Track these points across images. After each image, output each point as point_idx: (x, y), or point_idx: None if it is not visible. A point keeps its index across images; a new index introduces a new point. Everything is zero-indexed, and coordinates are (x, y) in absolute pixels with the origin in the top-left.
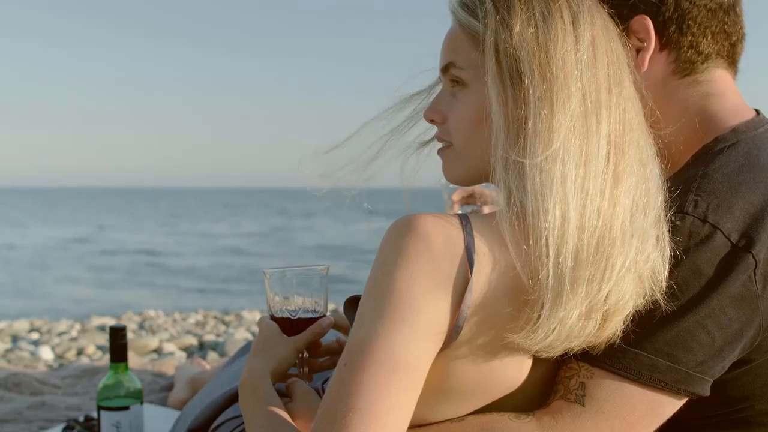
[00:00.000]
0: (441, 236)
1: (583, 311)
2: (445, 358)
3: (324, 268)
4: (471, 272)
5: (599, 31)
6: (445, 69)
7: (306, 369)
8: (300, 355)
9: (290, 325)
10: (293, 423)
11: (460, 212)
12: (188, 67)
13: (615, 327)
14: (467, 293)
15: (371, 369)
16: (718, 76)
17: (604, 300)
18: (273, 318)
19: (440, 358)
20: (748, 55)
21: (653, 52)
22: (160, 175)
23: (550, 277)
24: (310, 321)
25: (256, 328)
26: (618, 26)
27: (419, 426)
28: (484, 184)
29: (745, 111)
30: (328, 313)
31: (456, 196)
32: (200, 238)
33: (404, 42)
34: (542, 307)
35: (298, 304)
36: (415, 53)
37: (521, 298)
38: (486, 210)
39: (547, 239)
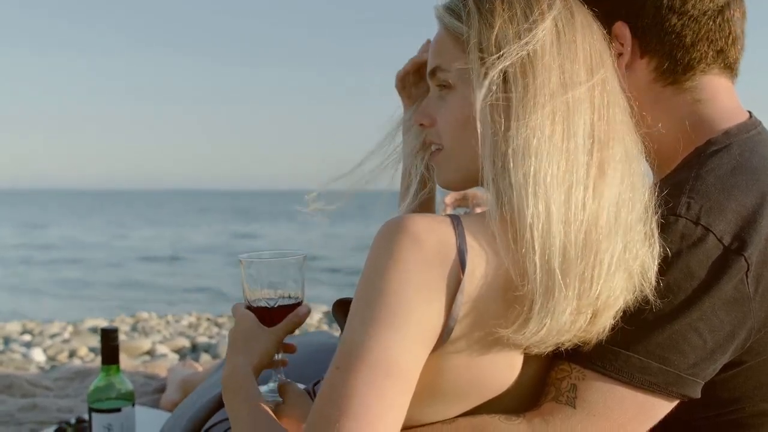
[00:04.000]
0: (433, 237)
1: (575, 307)
2: (436, 359)
3: (301, 256)
4: (463, 273)
5: (581, 29)
6: (432, 73)
7: (281, 354)
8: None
9: (267, 315)
10: (282, 423)
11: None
12: (189, 75)
13: (605, 322)
14: (458, 294)
15: (364, 372)
16: (705, 82)
17: (596, 297)
18: (249, 307)
19: (431, 359)
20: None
21: (635, 59)
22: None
23: (537, 272)
24: (288, 309)
25: None
26: (602, 27)
27: (409, 428)
28: (476, 188)
29: (738, 114)
30: (305, 302)
31: (449, 199)
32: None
33: (405, 48)
34: (533, 302)
35: (275, 292)
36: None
37: (511, 295)
38: (478, 212)
39: (532, 234)
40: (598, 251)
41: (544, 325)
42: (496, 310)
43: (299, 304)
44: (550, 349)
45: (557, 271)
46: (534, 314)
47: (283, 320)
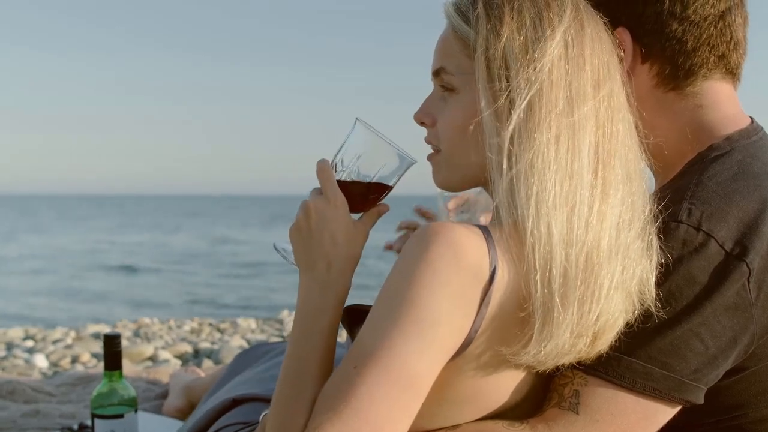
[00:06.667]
0: (471, 248)
1: (574, 330)
2: (447, 370)
3: (414, 161)
4: (491, 286)
5: (590, 42)
6: (436, 73)
7: None
8: None
9: (358, 192)
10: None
11: (455, 220)
12: (189, 73)
13: (605, 343)
14: (483, 307)
15: (384, 379)
16: (707, 87)
17: (595, 321)
18: (339, 181)
19: (444, 369)
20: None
21: (636, 65)
22: (161, 182)
23: (539, 293)
24: (379, 191)
25: (250, 336)
26: (612, 36)
27: None
28: (476, 190)
29: (740, 119)
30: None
31: (452, 204)
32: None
33: (407, 46)
34: (534, 324)
35: (371, 174)
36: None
37: (520, 314)
38: (482, 219)
39: (534, 254)
40: (598, 275)
41: (543, 348)
42: (508, 327)
43: (388, 190)
44: (549, 368)
45: (556, 293)
46: (534, 337)
47: (368, 209)
